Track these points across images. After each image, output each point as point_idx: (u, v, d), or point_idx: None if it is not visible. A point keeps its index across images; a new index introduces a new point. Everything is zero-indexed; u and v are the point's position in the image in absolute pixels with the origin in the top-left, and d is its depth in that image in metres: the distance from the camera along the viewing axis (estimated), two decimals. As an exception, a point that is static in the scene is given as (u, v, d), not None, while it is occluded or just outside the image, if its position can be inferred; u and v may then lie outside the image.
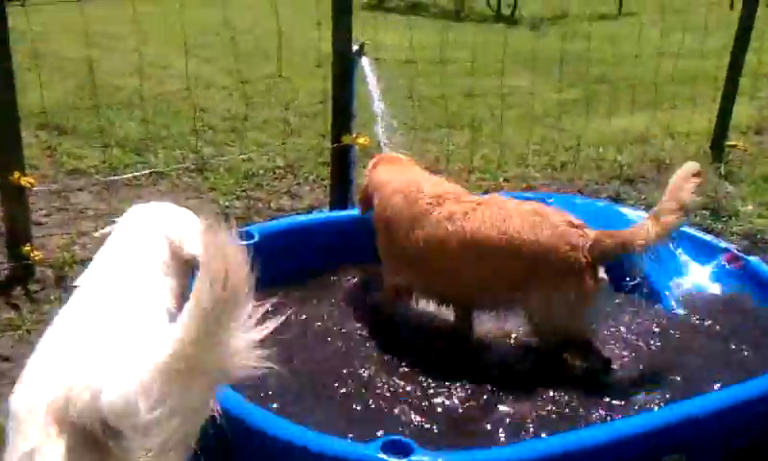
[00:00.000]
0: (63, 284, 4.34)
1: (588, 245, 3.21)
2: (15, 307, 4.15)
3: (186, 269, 2.90)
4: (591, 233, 3.27)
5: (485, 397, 3.18)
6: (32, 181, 4.30)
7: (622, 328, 3.85)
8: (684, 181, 3.23)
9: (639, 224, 3.31)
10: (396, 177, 3.74)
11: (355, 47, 4.78)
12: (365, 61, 4.78)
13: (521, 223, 3.25)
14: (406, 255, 3.54)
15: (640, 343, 3.72)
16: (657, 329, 3.83)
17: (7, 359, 3.75)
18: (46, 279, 4.39)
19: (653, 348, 3.68)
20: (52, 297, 4.21)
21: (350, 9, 4.72)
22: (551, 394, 3.20)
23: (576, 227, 3.27)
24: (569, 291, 3.21)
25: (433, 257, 3.43)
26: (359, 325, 3.69)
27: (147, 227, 2.92)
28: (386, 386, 3.24)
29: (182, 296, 2.78)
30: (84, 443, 1.94)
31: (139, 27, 10.35)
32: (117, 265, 2.71)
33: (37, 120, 6.59)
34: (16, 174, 4.13)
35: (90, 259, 4.40)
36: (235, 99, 7.54)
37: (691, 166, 3.25)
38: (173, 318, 2.47)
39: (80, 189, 5.61)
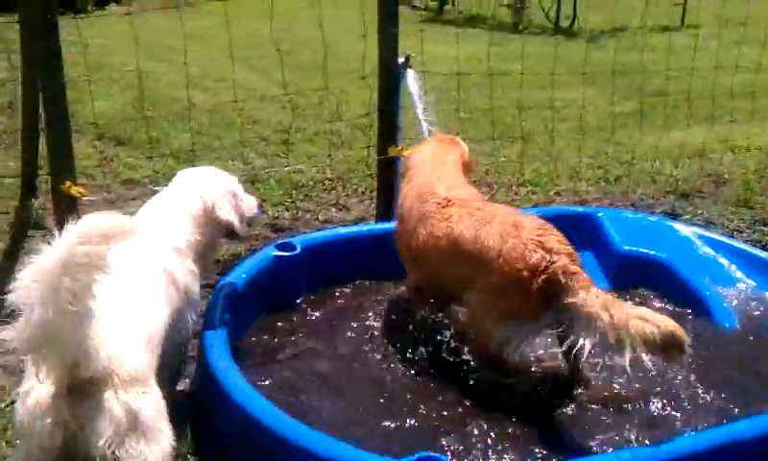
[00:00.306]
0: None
1: (545, 275, 3.08)
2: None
3: (217, 228, 3.29)
4: (561, 267, 3.10)
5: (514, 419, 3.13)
6: (82, 190, 4.37)
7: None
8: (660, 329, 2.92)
9: (603, 302, 3.04)
10: (424, 171, 3.85)
11: (401, 59, 4.77)
12: (410, 74, 4.77)
13: (494, 232, 3.27)
14: (412, 252, 3.66)
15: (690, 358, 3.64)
16: (707, 345, 3.74)
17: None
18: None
19: (702, 363, 3.58)
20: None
21: (396, 21, 4.72)
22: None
23: (548, 251, 3.14)
24: (502, 304, 3.19)
25: (430, 257, 3.54)
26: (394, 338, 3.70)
27: (186, 187, 3.30)
28: (419, 402, 3.24)
29: (207, 251, 3.31)
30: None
31: (197, 40, 10.62)
32: (148, 218, 3.15)
33: (95, 131, 6.76)
34: (67, 183, 4.21)
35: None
36: (287, 111, 7.60)
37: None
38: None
39: (133, 199, 5.71)
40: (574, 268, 3.14)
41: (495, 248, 3.21)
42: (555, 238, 3.22)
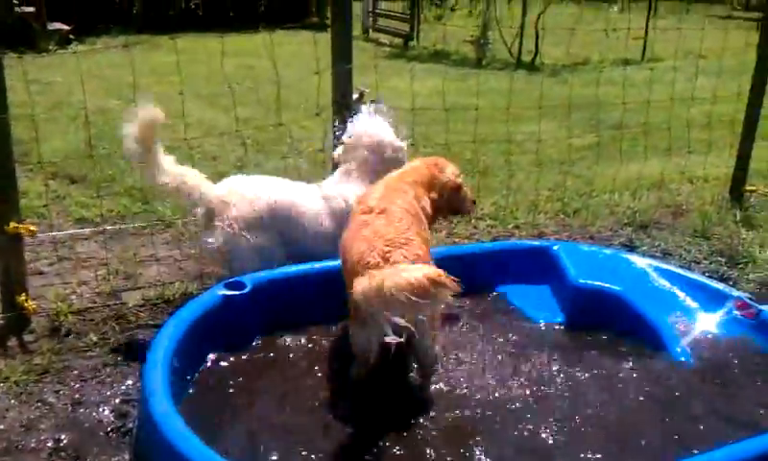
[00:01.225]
0: (58, 335, 4.31)
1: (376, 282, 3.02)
2: (8, 358, 4.10)
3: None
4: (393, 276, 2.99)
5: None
6: (33, 228, 4.29)
7: (626, 372, 3.75)
8: None
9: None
10: (375, 185, 3.96)
11: (355, 95, 4.75)
12: (365, 109, 4.74)
13: (362, 234, 3.41)
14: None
15: (643, 391, 3.62)
16: (661, 378, 3.73)
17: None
18: (41, 330, 4.35)
19: (656, 396, 3.59)
20: (45, 348, 4.16)
21: (350, 58, 4.71)
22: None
23: (389, 263, 3.17)
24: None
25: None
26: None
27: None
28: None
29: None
30: None
31: (159, 77, 10.56)
32: None
33: (49, 169, 6.66)
34: (12, 224, 4.11)
35: (87, 309, 4.44)
36: (248, 147, 7.55)
37: None
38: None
39: (85, 238, 5.61)
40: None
41: (353, 253, 3.34)
42: (402, 254, 3.22)
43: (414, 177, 4.02)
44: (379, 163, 4.44)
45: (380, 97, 4.88)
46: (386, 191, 3.80)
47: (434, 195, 4.04)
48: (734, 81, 7.02)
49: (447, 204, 4.18)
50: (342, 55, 4.75)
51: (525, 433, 3.28)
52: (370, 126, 4.47)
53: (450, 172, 4.18)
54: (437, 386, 3.55)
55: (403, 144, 4.51)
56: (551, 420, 3.37)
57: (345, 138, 4.49)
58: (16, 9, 13.06)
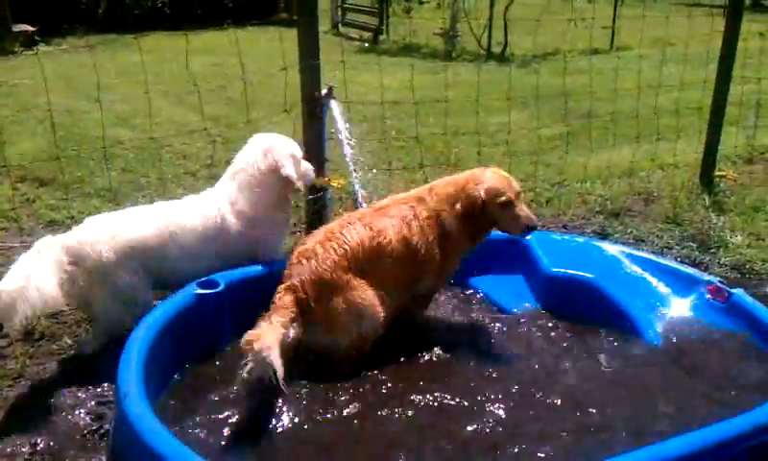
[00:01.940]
0: (31, 339, 4.26)
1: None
2: (-19, 363, 4.06)
3: (279, 183, 4.18)
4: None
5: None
6: (-1, 234, 4.24)
7: (601, 358, 3.78)
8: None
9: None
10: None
11: (324, 91, 4.74)
12: (334, 104, 4.73)
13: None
14: None
15: (618, 376, 3.66)
16: (635, 363, 3.77)
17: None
18: (14, 334, 4.29)
19: (630, 381, 3.63)
20: (18, 352, 4.11)
21: (317, 54, 4.69)
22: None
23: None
24: None
25: None
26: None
27: (253, 147, 4.26)
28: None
29: (273, 204, 4.23)
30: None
31: (128, 77, 10.47)
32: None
33: (18, 172, 6.58)
34: (-20, 228, 4.05)
35: (60, 312, 4.39)
36: (217, 145, 7.51)
37: None
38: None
39: (56, 241, 5.53)
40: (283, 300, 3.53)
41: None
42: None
43: (436, 191, 3.99)
44: (265, 189, 4.22)
45: (333, 92, 4.83)
46: (376, 211, 3.92)
47: (458, 208, 3.91)
48: (701, 68, 7.09)
49: (487, 221, 3.95)
50: (309, 51, 4.73)
51: (502, 416, 3.32)
52: (260, 159, 4.21)
53: (485, 187, 3.88)
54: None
55: (293, 176, 4.18)
56: (527, 404, 3.42)
57: (236, 163, 4.31)
58: (-21, 11, 12.89)
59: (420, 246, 3.82)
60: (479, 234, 4.03)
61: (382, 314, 3.66)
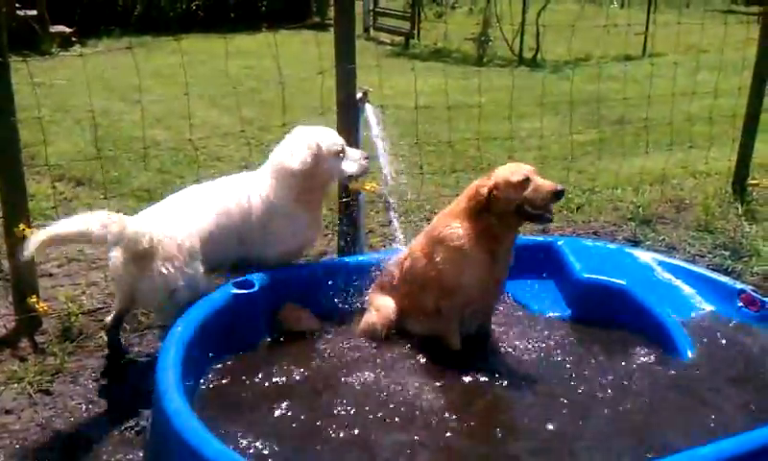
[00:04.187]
0: (69, 336, 4.36)
1: None
2: (21, 359, 4.16)
3: (320, 177, 4.17)
4: None
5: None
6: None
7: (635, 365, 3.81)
8: None
9: None
10: None
11: (359, 95, 4.78)
12: (369, 108, 4.78)
13: None
14: None
15: (651, 384, 3.67)
16: (667, 371, 3.76)
17: (9, 412, 3.75)
18: (52, 331, 4.40)
19: (662, 389, 3.63)
20: (57, 349, 4.21)
21: (353, 57, 4.74)
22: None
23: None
24: None
25: None
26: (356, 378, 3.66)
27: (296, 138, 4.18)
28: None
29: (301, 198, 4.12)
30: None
31: (162, 79, 10.61)
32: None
33: (56, 172, 6.71)
34: (21, 226, 4.15)
35: (97, 310, 4.49)
36: (251, 147, 7.60)
37: None
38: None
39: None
40: None
41: None
42: None
43: (453, 206, 4.02)
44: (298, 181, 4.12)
45: (368, 96, 4.86)
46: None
47: (463, 204, 3.90)
48: (736, 75, 7.05)
49: (501, 210, 3.79)
50: (345, 54, 4.77)
51: (535, 425, 3.34)
52: (288, 156, 4.12)
53: (493, 179, 3.81)
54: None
55: (295, 166, 4.06)
56: (563, 413, 3.42)
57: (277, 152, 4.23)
58: (19, 12, 13.10)
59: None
60: (503, 227, 3.86)
61: None
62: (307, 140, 4.12)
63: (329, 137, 4.20)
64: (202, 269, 3.86)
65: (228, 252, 4.06)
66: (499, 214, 3.80)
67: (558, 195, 3.79)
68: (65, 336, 4.35)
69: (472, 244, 3.83)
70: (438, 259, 3.88)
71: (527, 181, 3.75)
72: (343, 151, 4.21)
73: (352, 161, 4.24)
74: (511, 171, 3.81)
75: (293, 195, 4.11)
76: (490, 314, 4.12)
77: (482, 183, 3.83)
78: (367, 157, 4.34)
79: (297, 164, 4.04)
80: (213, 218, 3.95)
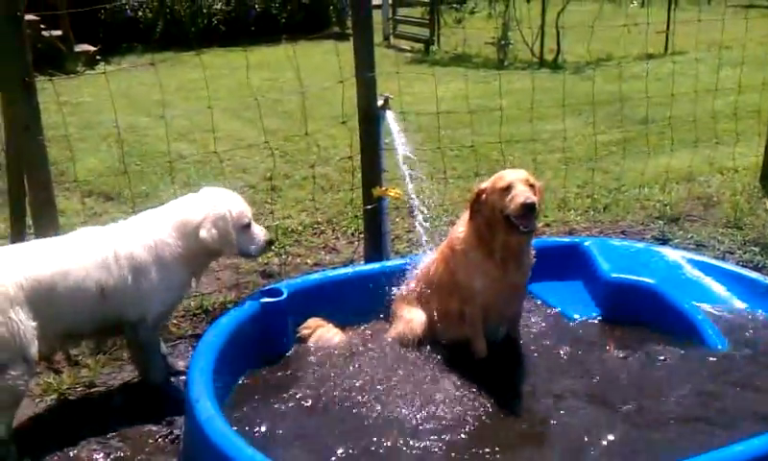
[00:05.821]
0: (102, 348, 4.40)
1: None
2: (56, 372, 4.21)
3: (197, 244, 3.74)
4: None
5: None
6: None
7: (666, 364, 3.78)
8: None
9: None
10: None
11: (380, 102, 4.81)
12: (389, 115, 4.79)
13: None
14: None
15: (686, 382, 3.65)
16: (701, 369, 3.74)
17: (44, 422, 3.80)
18: (85, 344, 4.44)
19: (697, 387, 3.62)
20: (90, 362, 4.26)
21: (373, 66, 4.76)
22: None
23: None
24: None
25: None
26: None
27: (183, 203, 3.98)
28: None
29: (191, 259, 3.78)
30: None
31: (185, 93, 10.72)
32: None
33: (85, 187, 6.79)
34: (53, 241, 4.20)
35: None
36: (275, 158, 7.64)
37: None
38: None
39: (122, 254, 5.69)
40: None
41: None
42: None
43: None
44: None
45: (389, 102, 4.87)
46: None
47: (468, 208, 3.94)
48: (759, 70, 6.99)
49: (489, 215, 3.78)
50: (365, 63, 4.79)
51: (575, 425, 3.35)
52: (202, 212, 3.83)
53: (489, 182, 3.81)
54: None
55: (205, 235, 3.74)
56: (600, 412, 3.43)
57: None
58: (44, 33, 13.31)
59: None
60: (496, 232, 3.79)
61: None
62: (217, 207, 3.85)
63: (238, 207, 3.91)
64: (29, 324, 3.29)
65: (85, 309, 3.56)
66: (489, 218, 3.79)
67: (527, 207, 3.61)
68: (98, 349, 4.40)
69: (472, 246, 3.86)
70: (451, 264, 3.94)
71: (510, 188, 3.68)
72: (250, 224, 3.92)
73: (256, 238, 3.93)
74: (500, 176, 3.78)
75: (187, 254, 3.77)
76: (516, 320, 4.11)
77: (477, 186, 3.88)
78: (270, 242, 4.10)
79: (206, 235, 3.73)
80: (59, 267, 3.46)
